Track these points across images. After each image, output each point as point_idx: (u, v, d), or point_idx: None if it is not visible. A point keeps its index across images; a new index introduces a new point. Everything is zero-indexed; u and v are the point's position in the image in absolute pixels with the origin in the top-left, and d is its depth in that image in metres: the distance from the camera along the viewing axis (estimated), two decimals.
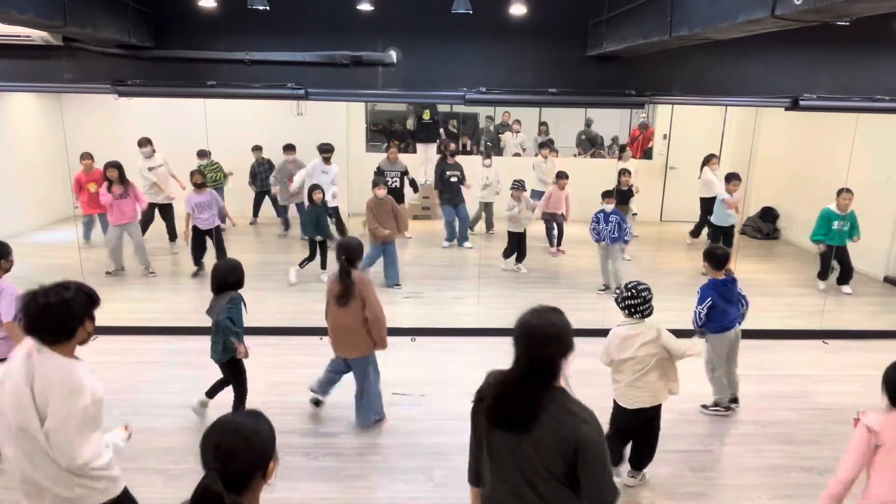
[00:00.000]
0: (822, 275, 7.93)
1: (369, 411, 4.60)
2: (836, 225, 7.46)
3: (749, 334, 6.42)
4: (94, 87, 5.43)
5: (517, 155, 12.10)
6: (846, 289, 7.82)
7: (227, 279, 4.32)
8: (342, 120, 11.02)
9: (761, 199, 10.71)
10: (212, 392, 4.62)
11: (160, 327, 6.13)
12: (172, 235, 8.70)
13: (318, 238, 7.70)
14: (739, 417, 4.94)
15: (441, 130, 12.30)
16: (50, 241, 9.20)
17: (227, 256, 7.73)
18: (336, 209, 8.86)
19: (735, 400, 4.99)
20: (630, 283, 3.90)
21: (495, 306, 7.02)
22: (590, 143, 12.62)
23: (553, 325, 2.09)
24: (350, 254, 4.35)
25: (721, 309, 4.68)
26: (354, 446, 4.44)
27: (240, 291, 4.36)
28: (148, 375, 5.35)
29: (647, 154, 11.96)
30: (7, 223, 9.16)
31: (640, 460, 4.01)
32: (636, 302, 3.80)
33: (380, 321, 4.36)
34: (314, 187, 7.73)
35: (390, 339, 4.52)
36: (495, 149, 12.56)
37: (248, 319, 6.48)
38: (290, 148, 9.42)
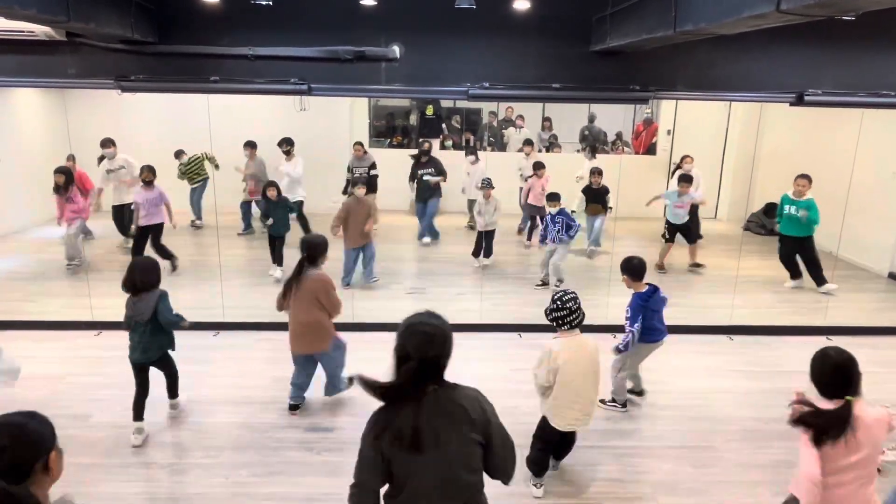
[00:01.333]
0: (791, 273, 7.75)
1: (336, 382, 4.79)
2: (787, 210, 7.42)
3: (752, 331, 6.45)
4: (97, 83, 5.43)
5: (521, 150, 12.07)
6: (830, 286, 7.46)
7: (151, 278, 4.27)
8: (345, 115, 11.03)
9: (765, 195, 10.67)
10: (174, 392, 4.65)
11: None
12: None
13: (273, 233, 7.61)
14: (742, 414, 4.93)
15: (444, 126, 12.30)
16: (54, 236, 9.22)
17: (149, 256, 7.58)
18: (298, 204, 8.76)
19: (641, 392, 5.02)
20: (557, 293, 3.84)
21: (498, 302, 7.03)
22: (593, 140, 12.60)
23: (440, 328, 2.18)
24: (312, 251, 4.43)
25: (648, 319, 4.57)
26: (356, 441, 4.42)
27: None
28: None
29: (650, 150, 11.94)
30: (12, 219, 9.21)
31: (561, 455, 4.11)
32: (562, 314, 3.73)
33: (339, 307, 4.62)
34: (269, 183, 7.67)
35: (393, 335, 4.53)
36: (498, 144, 12.54)
37: (253, 314, 6.56)
38: (249, 145, 9.43)
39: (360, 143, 9.56)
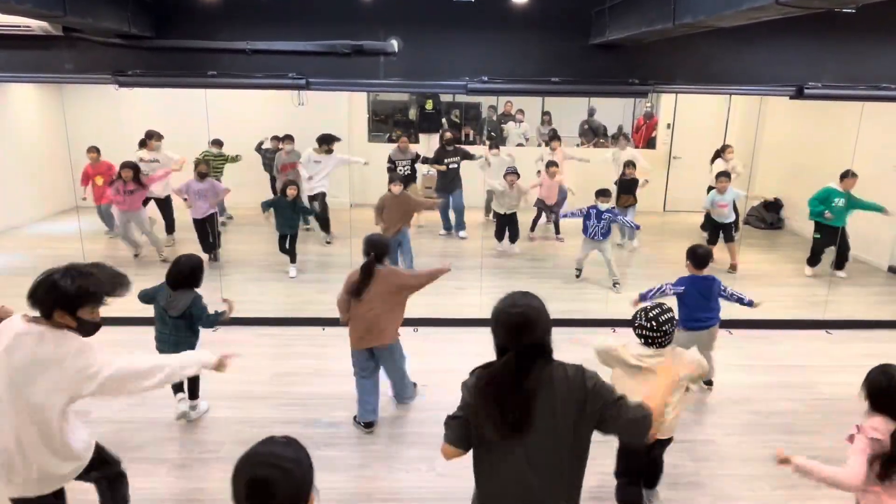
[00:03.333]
0: (813, 260, 7.87)
1: (410, 386, 4.79)
2: (836, 202, 7.44)
3: (752, 324, 6.44)
4: (94, 78, 5.41)
5: (520, 145, 12.06)
6: (841, 273, 7.71)
7: (194, 276, 4.36)
8: (344, 110, 10.99)
9: (765, 189, 10.65)
10: (194, 393, 4.64)
11: None
12: (170, 228, 8.73)
13: (288, 232, 7.66)
14: (741, 408, 4.94)
15: (443, 120, 12.27)
16: (52, 232, 9.22)
17: (217, 248, 7.84)
18: (320, 196, 8.87)
19: (709, 382, 5.06)
20: (652, 308, 3.42)
21: (498, 296, 7.01)
22: (592, 133, 12.57)
23: (530, 309, 2.14)
24: (378, 249, 4.42)
25: (693, 303, 4.56)
26: (357, 436, 4.46)
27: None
28: None
29: (650, 143, 11.91)
30: (9, 214, 9.19)
31: (653, 481, 3.85)
32: (655, 335, 3.36)
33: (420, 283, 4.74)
34: (289, 182, 7.71)
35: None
36: (498, 138, 12.51)
37: (251, 309, 6.55)
38: (287, 138, 9.42)
39: (405, 136, 9.61)
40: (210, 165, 9.23)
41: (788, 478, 4.08)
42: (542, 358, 2.10)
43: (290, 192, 7.48)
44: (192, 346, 4.45)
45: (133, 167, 7.70)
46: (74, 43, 5.23)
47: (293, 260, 7.76)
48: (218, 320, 4.40)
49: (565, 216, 7.81)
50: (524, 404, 2.04)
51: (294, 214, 7.61)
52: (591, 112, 12.63)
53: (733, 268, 8.16)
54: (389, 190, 7.36)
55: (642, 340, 3.42)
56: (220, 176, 9.43)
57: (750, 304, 4.83)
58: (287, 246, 7.68)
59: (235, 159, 9.37)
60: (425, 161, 9.68)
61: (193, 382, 4.59)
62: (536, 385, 2.06)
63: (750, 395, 5.07)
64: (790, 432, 4.61)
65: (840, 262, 7.79)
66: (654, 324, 3.35)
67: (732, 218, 8.11)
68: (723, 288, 4.76)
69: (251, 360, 5.56)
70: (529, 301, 2.15)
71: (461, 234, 9.52)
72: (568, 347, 3.86)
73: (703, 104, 10.82)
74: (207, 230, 7.87)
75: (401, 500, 3.86)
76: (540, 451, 2.11)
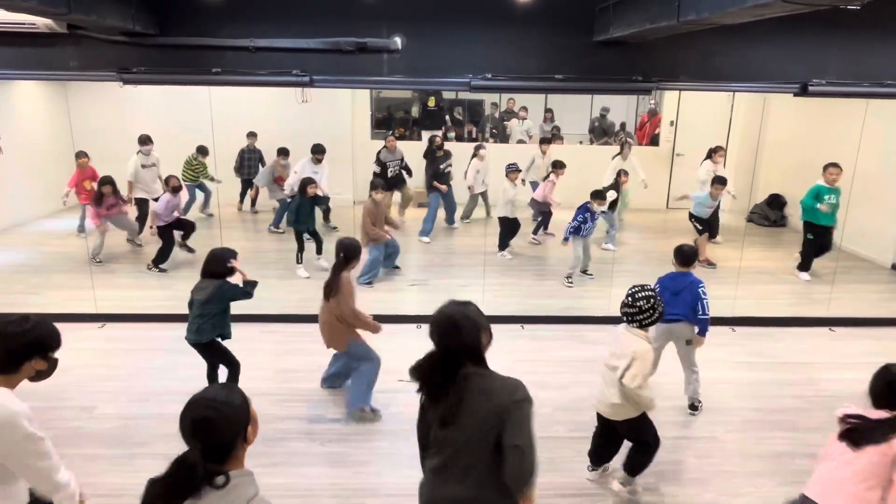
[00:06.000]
0: (804, 265, 7.79)
1: (355, 399, 4.65)
2: (827, 199, 7.36)
3: (755, 321, 6.45)
4: (98, 75, 5.42)
5: (521, 142, 12.05)
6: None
7: (216, 268, 4.37)
8: (347, 107, 11.00)
9: (769, 187, 10.64)
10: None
11: (166, 315, 6.16)
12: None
13: (305, 229, 7.75)
14: (744, 405, 4.94)
15: (447, 118, 12.27)
16: (56, 229, 9.25)
17: (189, 248, 8.07)
18: (326, 199, 8.96)
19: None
20: (634, 287, 3.65)
21: (500, 294, 7.03)
22: (602, 132, 12.55)
23: (465, 317, 2.27)
24: (348, 252, 4.46)
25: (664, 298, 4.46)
26: (361, 432, 4.47)
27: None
28: (155, 362, 5.38)
29: (653, 141, 11.90)
30: (14, 211, 9.22)
31: (602, 458, 4.04)
32: (632, 311, 3.56)
33: (353, 316, 4.48)
34: (308, 180, 7.73)
35: (396, 327, 4.57)
36: (501, 136, 12.50)
37: (254, 306, 6.55)
38: (282, 153, 9.48)
39: (393, 135, 9.58)
40: (192, 172, 9.37)
41: (791, 474, 4.10)
42: (471, 362, 2.24)
43: (311, 189, 7.57)
44: (213, 330, 4.47)
45: (110, 182, 7.71)
46: (79, 40, 5.25)
47: (319, 251, 7.86)
48: (249, 288, 4.44)
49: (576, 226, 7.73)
50: (454, 399, 2.19)
51: (312, 212, 7.73)
52: (605, 111, 12.61)
53: (708, 262, 8.24)
54: (372, 198, 7.43)
55: (625, 319, 3.61)
56: (203, 179, 9.55)
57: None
58: (312, 238, 7.83)
59: (211, 178, 9.50)
60: (405, 168, 9.69)
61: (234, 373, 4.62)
62: (462, 384, 2.20)
63: (753, 392, 5.07)
64: (793, 429, 4.61)
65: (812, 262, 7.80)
66: (629, 299, 3.57)
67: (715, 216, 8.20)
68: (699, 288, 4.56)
69: (256, 357, 5.58)
70: (462, 308, 2.30)
71: (424, 238, 9.31)
72: (573, 345, 3.89)
73: (706, 101, 10.80)
74: (171, 236, 7.87)
75: (406, 496, 3.86)
76: (461, 447, 2.22)
